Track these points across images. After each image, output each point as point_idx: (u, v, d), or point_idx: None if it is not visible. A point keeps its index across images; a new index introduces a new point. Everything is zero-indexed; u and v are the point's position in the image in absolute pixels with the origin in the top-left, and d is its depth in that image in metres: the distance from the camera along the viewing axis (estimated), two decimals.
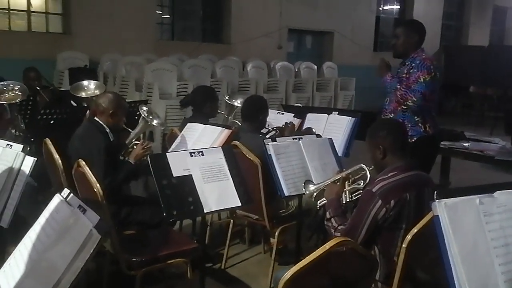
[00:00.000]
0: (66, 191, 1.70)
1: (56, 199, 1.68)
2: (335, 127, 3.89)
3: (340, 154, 3.74)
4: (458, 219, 1.52)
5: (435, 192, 1.53)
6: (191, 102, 4.10)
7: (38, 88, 5.10)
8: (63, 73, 7.98)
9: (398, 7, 15.23)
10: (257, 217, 3.51)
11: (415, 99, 3.50)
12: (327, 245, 1.68)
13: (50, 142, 3.20)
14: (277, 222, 3.42)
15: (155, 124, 3.44)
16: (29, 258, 1.54)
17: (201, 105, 3.94)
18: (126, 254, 2.74)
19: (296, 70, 10.04)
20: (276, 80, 9.24)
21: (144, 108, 3.40)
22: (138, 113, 3.62)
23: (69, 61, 8.44)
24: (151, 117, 3.39)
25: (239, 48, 10.72)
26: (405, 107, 3.60)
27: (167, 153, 2.54)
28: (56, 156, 3.10)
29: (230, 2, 10.99)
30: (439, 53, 15.21)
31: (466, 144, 4.72)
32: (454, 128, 5.63)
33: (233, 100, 4.51)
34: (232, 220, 3.77)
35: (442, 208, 1.51)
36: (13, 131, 4.05)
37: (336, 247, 1.69)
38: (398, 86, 3.59)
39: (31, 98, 4.67)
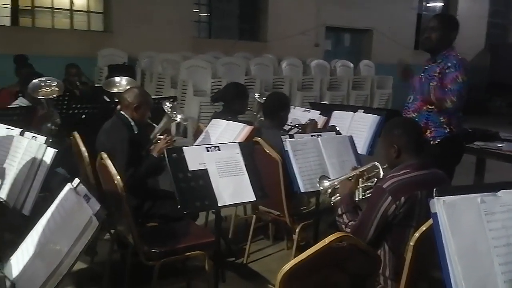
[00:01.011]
0: (76, 180, 1.78)
1: (67, 188, 1.76)
2: (360, 125, 3.87)
3: (364, 152, 3.73)
4: (457, 217, 1.50)
5: (435, 189, 1.51)
6: (221, 98, 4.16)
7: (78, 84, 5.34)
8: (103, 70, 8.23)
9: (442, 4, 14.85)
10: (278, 213, 3.53)
11: (454, 100, 3.26)
12: (327, 240, 1.68)
13: (77, 135, 3.32)
14: (298, 219, 3.43)
15: (178, 120, 3.51)
16: (39, 241, 1.63)
17: (231, 101, 4.00)
18: (146, 245, 2.82)
19: (332, 68, 9.98)
20: (311, 78, 9.21)
21: (168, 104, 3.48)
22: None
23: (109, 58, 8.70)
24: (174, 112, 3.46)
25: (276, 46, 10.74)
26: (431, 108, 3.43)
27: (183, 147, 2.60)
28: (83, 148, 3.23)
29: (266, 1, 11.03)
30: (485, 52, 14.76)
31: (500, 145, 4.57)
32: (499, 129, 5.42)
33: (263, 98, 4.55)
34: (254, 216, 3.80)
35: (440, 205, 1.50)
36: (49, 125, 4.22)
37: (336, 242, 1.69)
38: (432, 85, 3.37)
39: (67, 93, 4.88)
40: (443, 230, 1.49)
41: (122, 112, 3.31)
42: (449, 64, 3.36)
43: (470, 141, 4.70)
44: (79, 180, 1.78)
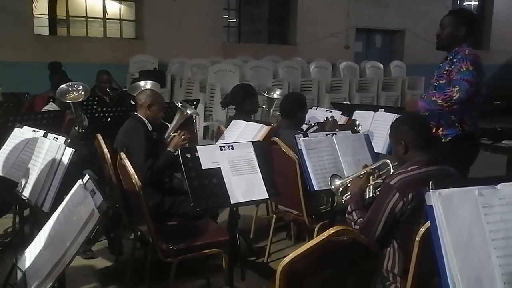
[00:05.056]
0: (87, 177, 1.86)
1: (77, 184, 1.84)
2: (381, 124, 3.85)
3: (384, 151, 3.71)
4: (453, 209, 1.50)
5: (431, 182, 1.51)
6: (231, 102, 4.25)
7: (108, 90, 5.51)
8: (134, 76, 8.44)
9: (477, 3, 14.51)
10: (297, 212, 3.55)
11: (458, 87, 3.16)
12: (326, 233, 1.70)
13: (100, 137, 3.44)
14: (316, 218, 3.44)
15: (189, 113, 3.70)
16: (49, 234, 1.72)
17: (242, 103, 4.08)
18: (164, 242, 2.89)
19: (362, 69, 9.92)
20: (339, 80, 9.18)
21: (179, 101, 3.67)
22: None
23: (140, 64, 8.93)
24: (184, 107, 3.66)
25: (305, 49, 10.75)
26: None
27: (197, 146, 2.66)
28: (105, 150, 3.33)
29: (296, 4, 11.06)
30: None
31: None
32: None
33: (272, 93, 4.66)
34: (274, 215, 3.83)
35: (436, 197, 1.50)
36: (76, 128, 4.38)
37: (335, 236, 1.71)
38: (436, 98, 3.29)
39: (96, 98, 5.05)
40: (439, 222, 1.48)
41: (136, 112, 3.49)
42: (455, 60, 3.31)
43: (498, 140, 4.61)
44: (89, 177, 1.86)
